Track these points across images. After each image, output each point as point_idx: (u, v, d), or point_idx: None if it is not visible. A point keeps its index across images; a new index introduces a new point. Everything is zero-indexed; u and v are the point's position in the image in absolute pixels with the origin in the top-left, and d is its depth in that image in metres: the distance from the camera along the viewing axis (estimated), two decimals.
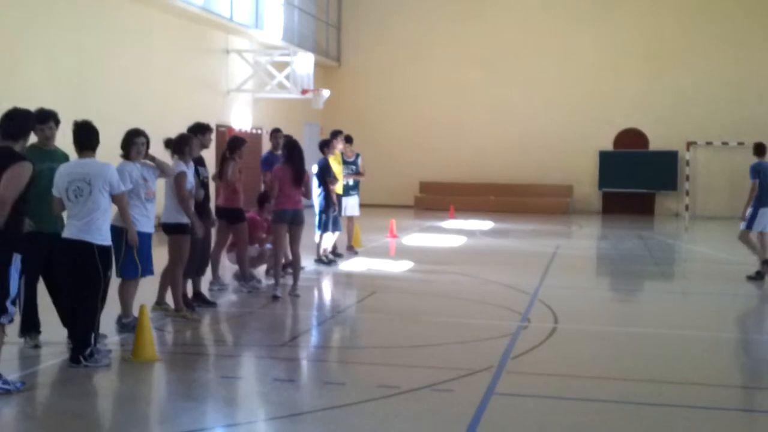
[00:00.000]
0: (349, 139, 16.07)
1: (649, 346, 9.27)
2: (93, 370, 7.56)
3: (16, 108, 7.26)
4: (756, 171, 13.81)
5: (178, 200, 9.68)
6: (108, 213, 7.79)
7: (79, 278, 7.67)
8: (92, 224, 7.62)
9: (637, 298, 13.48)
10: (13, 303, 6.78)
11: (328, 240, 14.82)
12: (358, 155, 16.18)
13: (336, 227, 14.75)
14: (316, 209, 14.46)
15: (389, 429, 6.28)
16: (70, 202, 7.65)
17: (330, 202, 14.42)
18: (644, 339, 9.66)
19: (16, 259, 6.73)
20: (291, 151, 11.73)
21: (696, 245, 20.84)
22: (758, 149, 14.10)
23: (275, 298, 11.26)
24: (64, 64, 17.60)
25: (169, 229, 9.72)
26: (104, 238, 7.73)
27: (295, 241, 11.72)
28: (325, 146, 14.74)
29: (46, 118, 8.33)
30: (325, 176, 14.33)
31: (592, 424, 6.47)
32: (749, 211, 13.75)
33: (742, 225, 13.97)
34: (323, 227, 14.44)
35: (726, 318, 11.49)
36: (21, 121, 7.14)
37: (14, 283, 6.72)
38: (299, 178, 11.55)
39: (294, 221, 11.59)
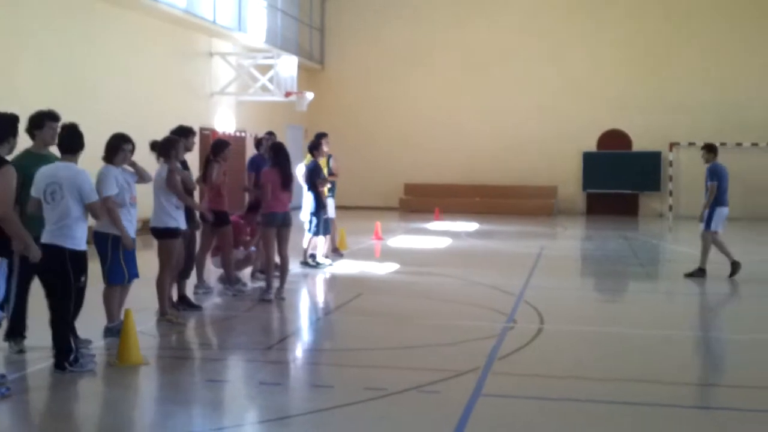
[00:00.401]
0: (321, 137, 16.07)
1: (635, 347, 9.29)
2: (78, 375, 7.51)
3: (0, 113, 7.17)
4: (713, 173, 13.98)
5: (177, 196, 9.69)
6: (82, 219, 7.65)
7: (50, 283, 7.60)
8: (65, 229, 7.52)
9: (622, 299, 13.53)
10: (1, 307, 6.72)
11: (322, 243, 14.79)
12: (330, 156, 16.03)
13: (327, 230, 14.73)
14: (305, 212, 14.45)
15: (376, 431, 6.27)
16: (47, 205, 7.56)
17: (321, 205, 14.40)
18: (630, 339, 9.69)
19: (2, 264, 6.69)
20: (277, 153, 11.71)
21: (680, 245, 20.91)
22: (710, 150, 14.25)
23: (266, 301, 11.25)
24: (50, 69, 17.56)
25: (159, 233, 9.68)
26: (77, 243, 7.58)
27: (283, 244, 11.70)
28: (314, 149, 14.72)
29: (58, 118, 8.34)
30: (315, 178, 14.31)
31: (579, 425, 6.49)
32: (706, 212, 13.93)
33: (702, 226, 14.13)
34: (315, 230, 14.41)
35: (711, 318, 11.54)
36: (3, 125, 7.08)
37: (0, 287, 6.68)
38: (288, 180, 11.56)
39: (284, 224, 11.60)
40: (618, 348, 9.24)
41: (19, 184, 7.31)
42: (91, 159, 8.31)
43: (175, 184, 9.68)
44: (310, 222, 14.33)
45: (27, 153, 8.19)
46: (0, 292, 6.69)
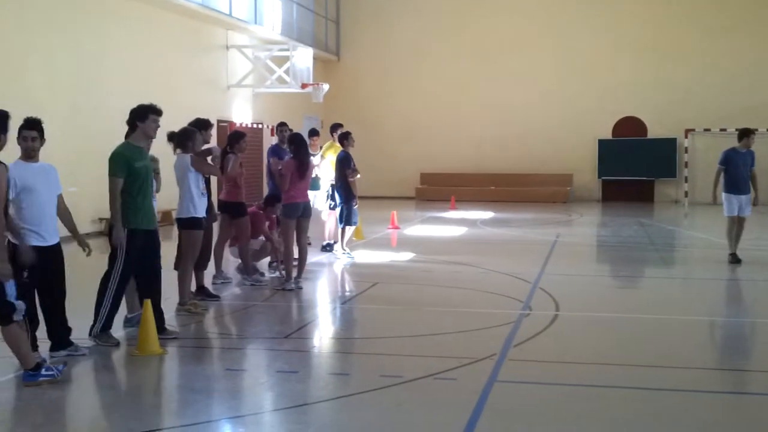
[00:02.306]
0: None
1: (651, 332, 9.34)
2: (93, 363, 7.66)
3: None
4: (727, 157, 14.01)
5: (209, 173, 10.21)
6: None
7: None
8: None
9: (638, 285, 13.55)
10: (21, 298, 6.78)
11: (348, 234, 14.88)
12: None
13: (355, 219, 14.80)
14: (322, 200, 14.60)
15: (393, 418, 6.33)
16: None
17: (351, 194, 14.48)
18: (646, 325, 9.74)
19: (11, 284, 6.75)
20: (299, 146, 11.83)
21: (696, 231, 20.89)
22: (740, 134, 14.22)
23: (286, 290, 11.40)
24: (63, 63, 17.69)
25: (183, 223, 9.80)
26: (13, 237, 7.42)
27: (302, 233, 11.83)
28: (344, 139, 14.80)
29: (161, 112, 8.55)
30: (346, 168, 14.40)
31: (595, 410, 6.53)
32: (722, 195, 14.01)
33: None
34: (345, 220, 14.51)
35: (727, 302, 11.56)
36: None
37: (11, 282, 6.72)
38: (305, 170, 11.70)
39: (304, 214, 11.74)
40: (634, 334, 9.27)
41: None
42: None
43: (202, 166, 9.88)
44: (341, 211, 14.45)
45: (128, 144, 8.43)
46: (10, 285, 6.71)
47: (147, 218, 8.43)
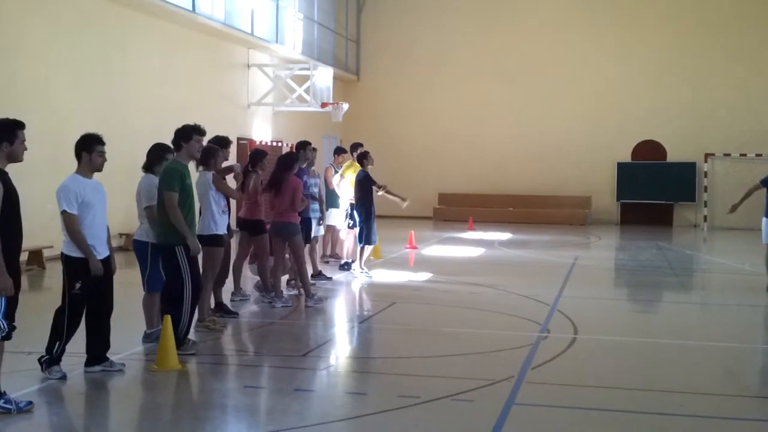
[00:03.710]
0: (340, 150, 16.35)
1: (670, 357, 9.29)
2: (117, 380, 7.69)
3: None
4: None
5: (229, 195, 10.24)
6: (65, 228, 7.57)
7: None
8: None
9: (656, 309, 13.50)
10: (7, 317, 6.58)
11: (366, 253, 14.91)
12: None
13: (374, 239, 14.82)
14: (353, 220, 14.69)
15: None
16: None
17: (371, 214, 14.52)
18: (664, 349, 9.69)
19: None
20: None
21: (715, 256, 20.80)
22: None
23: (308, 306, 11.60)
24: (89, 80, 17.88)
25: (204, 240, 9.85)
26: (69, 249, 7.56)
27: (312, 252, 11.95)
28: (363, 158, 14.86)
29: (204, 132, 8.86)
30: (371, 185, 14.46)
31: None
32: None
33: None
34: (365, 239, 14.55)
35: (746, 329, 11.48)
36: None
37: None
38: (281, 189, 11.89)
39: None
40: (652, 358, 9.24)
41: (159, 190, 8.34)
42: (130, 169, 8.48)
43: (222, 185, 9.99)
44: (360, 230, 14.49)
45: (176, 161, 8.64)
46: (2, 326, 6.53)
47: (191, 233, 8.61)
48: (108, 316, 7.91)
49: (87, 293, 7.58)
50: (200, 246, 8.60)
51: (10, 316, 6.61)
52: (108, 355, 7.97)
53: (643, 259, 19.19)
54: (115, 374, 7.84)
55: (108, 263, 7.76)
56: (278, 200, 11.68)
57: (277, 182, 11.68)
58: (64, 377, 7.57)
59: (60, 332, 7.58)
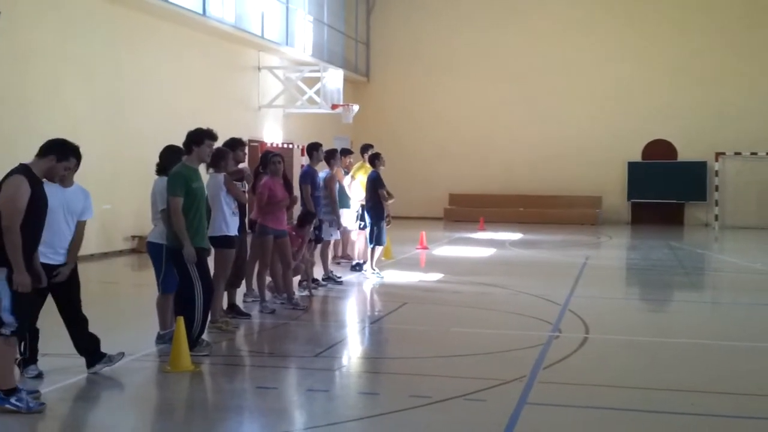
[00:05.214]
0: (346, 152, 16.21)
1: (681, 356, 9.30)
2: (125, 379, 7.75)
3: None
4: None
5: (239, 200, 10.18)
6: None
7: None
8: None
9: (668, 308, 13.49)
10: (15, 314, 6.63)
11: (377, 254, 14.94)
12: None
13: (382, 240, 14.85)
14: (364, 221, 14.70)
15: None
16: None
17: (382, 215, 14.54)
18: (676, 349, 9.69)
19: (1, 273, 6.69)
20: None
21: (726, 255, 20.77)
22: None
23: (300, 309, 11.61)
24: (101, 84, 17.95)
25: (215, 241, 9.89)
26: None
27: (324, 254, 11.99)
28: (375, 159, 14.90)
29: (216, 137, 8.90)
30: (378, 188, 14.47)
31: None
32: None
33: None
34: (375, 240, 14.58)
35: (758, 328, 11.46)
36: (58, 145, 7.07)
37: (5, 294, 6.65)
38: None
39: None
40: (664, 357, 9.22)
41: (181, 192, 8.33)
42: (141, 171, 8.53)
43: (232, 188, 10.01)
44: (370, 231, 14.51)
45: (184, 165, 8.66)
46: (5, 299, 6.64)
47: (199, 236, 8.65)
48: (79, 307, 7.77)
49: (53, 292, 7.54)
50: (195, 254, 8.44)
51: (20, 313, 6.66)
52: (115, 353, 8.02)
53: (655, 259, 19.17)
54: (127, 375, 7.90)
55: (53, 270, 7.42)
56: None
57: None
58: (40, 375, 7.62)
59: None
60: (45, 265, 7.19)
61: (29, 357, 7.66)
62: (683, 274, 16.79)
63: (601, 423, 6.81)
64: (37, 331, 7.70)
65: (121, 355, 8.03)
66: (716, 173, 29.09)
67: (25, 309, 6.74)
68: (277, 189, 11.44)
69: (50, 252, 7.36)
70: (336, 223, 14.30)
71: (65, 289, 7.60)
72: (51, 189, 7.14)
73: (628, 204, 30.45)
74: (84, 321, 7.81)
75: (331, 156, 14.40)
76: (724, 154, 29.07)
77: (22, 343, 7.52)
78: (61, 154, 6.99)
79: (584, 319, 11.01)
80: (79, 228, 7.60)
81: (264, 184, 11.46)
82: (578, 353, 9.16)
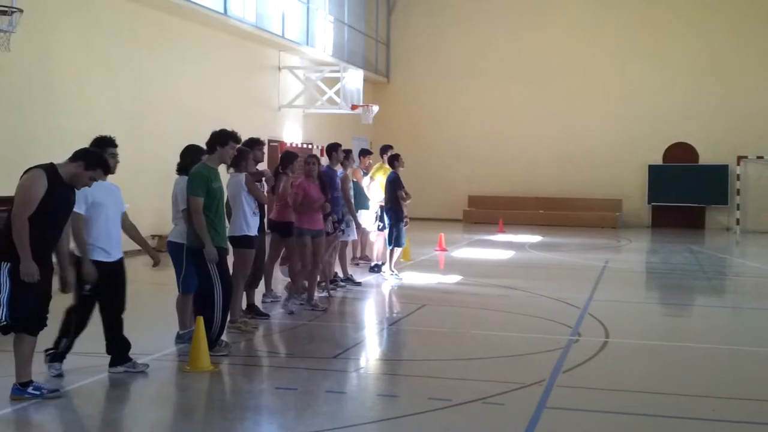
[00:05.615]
0: (365, 152, 16.33)
1: (702, 361, 9.25)
2: (145, 379, 7.78)
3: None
4: None
5: (260, 200, 10.21)
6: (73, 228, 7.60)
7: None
8: None
9: (688, 313, 13.40)
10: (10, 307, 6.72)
11: (395, 255, 14.92)
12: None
13: (403, 240, 14.83)
14: (383, 222, 14.70)
15: None
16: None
17: (401, 216, 14.53)
18: (696, 353, 9.64)
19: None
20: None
21: (747, 259, 20.62)
22: None
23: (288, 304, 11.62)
24: (122, 83, 18.02)
25: (235, 241, 9.91)
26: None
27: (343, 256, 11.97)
28: (394, 160, 14.89)
29: (239, 140, 9.04)
30: (397, 189, 14.46)
31: None
32: None
33: None
34: (395, 241, 14.57)
35: None
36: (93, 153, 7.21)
37: (4, 288, 6.73)
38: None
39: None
40: (685, 362, 9.18)
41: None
42: (162, 171, 8.54)
43: (253, 188, 10.02)
44: (390, 233, 14.50)
45: (204, 165, 8.70)
46: (3, 292, 6.69)
47: (220, 236, 8.68)
48: (119, 313, 7.92)
49: (97, 294, 7.68)
50: (217, 254, 8.51)
51: (17, 308, 6.71)
52: (138, 355, 8.05)
53: (675, 263, 19.06)
54: (146, 375, 7.91)
55: (121, 265, 7.85)
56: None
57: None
58: (60, 375, 7.67)
59: (67, 330, 7.73)
60: (100, 263, 7.52)
61: (60, 354, 7.74)
62: (704, 279, 16.68)
63: (621, 428, 6.77)
64: (83, 328, 7.82)
65: (146, 366, 8.06)
66: (738, 177, 28.90)
67: (27, 303, 6.77)
68: (311, 190, 11.47)
69: (108, 247, 7.66)
70: (352, 223, 14.28)
71: (113, 287, 7.79)
72: (101, 186, 7.46)
73: (649, 207, 30.31)
74: (121, 322, 7.93)
75: (344, 156, 14.38)
76: (746, 157, 28.87)
77: (63, 340, 7.70)
78: (90, 164, 7.03)
79: (604, 323, 10.96)
80: (126, 218, 8.02)
81: (299, 185, 11.52)
82: (598, 357, 9.11)
